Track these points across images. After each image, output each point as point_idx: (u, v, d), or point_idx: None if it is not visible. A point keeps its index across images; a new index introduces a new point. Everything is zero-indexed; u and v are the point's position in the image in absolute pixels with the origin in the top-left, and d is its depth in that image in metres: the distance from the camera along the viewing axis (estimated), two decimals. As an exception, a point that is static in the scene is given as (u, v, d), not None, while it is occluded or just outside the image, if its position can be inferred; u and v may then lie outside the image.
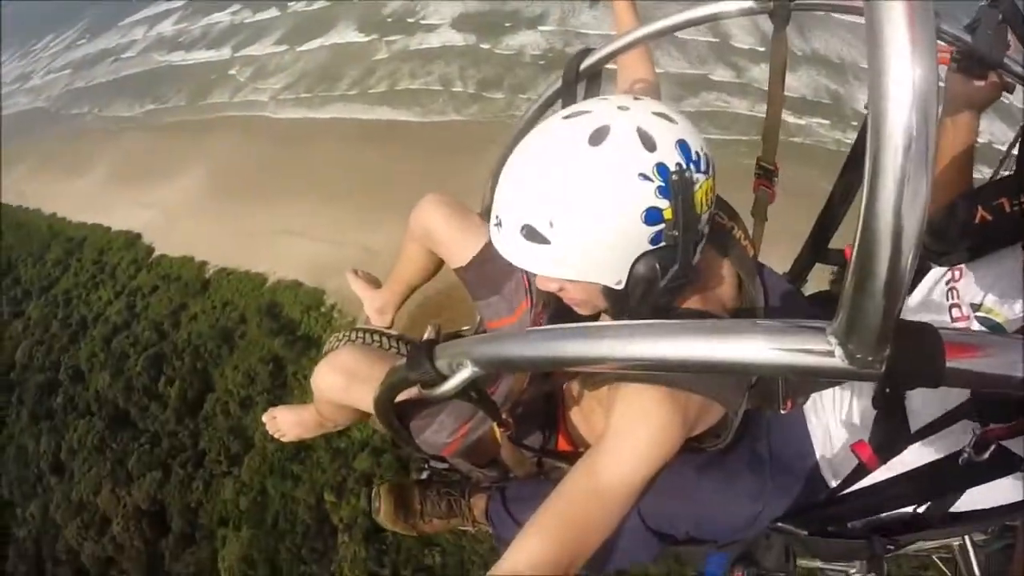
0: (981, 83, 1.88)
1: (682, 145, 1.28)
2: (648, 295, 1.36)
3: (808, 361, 0.81)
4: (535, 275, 1.41)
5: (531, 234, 1.29)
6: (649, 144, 1.26)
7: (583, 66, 2.07)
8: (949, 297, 1.70)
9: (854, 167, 2.16)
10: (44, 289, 46.42)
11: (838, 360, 0.79)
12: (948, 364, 0.77)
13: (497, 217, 1.36)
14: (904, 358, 0.77)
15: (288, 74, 55.22)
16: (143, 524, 31.74)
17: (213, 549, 29.07)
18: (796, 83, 37.33)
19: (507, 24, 49.93)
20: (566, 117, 1.34)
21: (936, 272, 1.81)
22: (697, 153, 1.30)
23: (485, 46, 48.87)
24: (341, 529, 26.45)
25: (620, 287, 1.34)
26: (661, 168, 1.25)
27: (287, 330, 33.43)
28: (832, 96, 37.59)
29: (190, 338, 38.21)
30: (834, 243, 2.33)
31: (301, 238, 37.53)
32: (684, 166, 1.26)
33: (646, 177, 1.24)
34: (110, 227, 48.53)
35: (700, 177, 1.29)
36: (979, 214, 1.62)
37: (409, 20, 55.08)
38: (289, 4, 63.82)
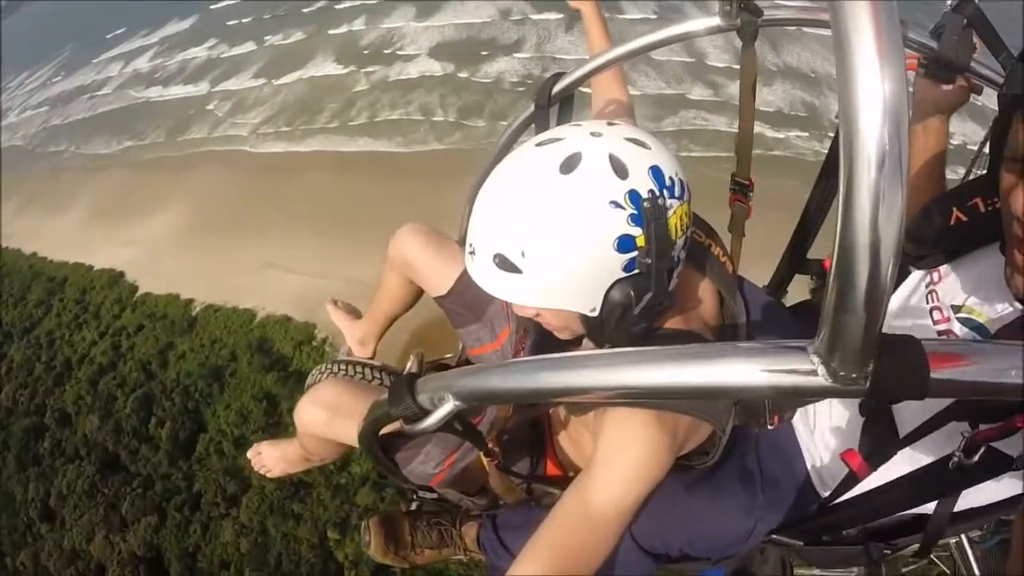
0: (949, 87, 1.91)
1: (655, 171, 1.28)
2: (623, 321, 1.34)
3: (792, 381, 0.81)
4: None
5: (503, 263, 1.29)
6: (621, 171, 1.25)
7: (555, 90, 2.08)
8: (929, 300, 1.68)
9: (828, 177, 2.20)
10: (26, 331, 45.64)
11: (821, 379, 0.78)
12: (933, 375, 0.76)
13: (471, 245, 1.35)
14: (888, 373, 0.77)
15: (267, 107, 55.07)
16: (140, 571, 30.98)
17: (215, 594, 28.42)
18: (772, 96, 37.76)
19: (484, 52, 50.33)
20: (538, 144, 1.34)
21: (915, 276, 1.78)
22: (671, 179, 1.30)
23: (463, 74, 49.24)
24: (347, 567, 26.12)
25: (595, 314, 1.33)
26: (633, 195, 1.24)
27: (279, 366, 33.14)
28: (808, 108, 38.02)
29: (179, 378, 37.68)
30: (813, 252, 2.37)
31: (287, 272, 37.27)
32: (657, 192, 1.26)
33: (618, 205, 1.23)
34: (92, 266, 47.92)
35: (674, 203, 1.29)
36: (955, 215, 1.62)
37: (386, 51, 55.22)
38: (266, 38, 63.58)
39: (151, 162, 54.90)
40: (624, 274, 1.28)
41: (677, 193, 1.30)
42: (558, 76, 2.11)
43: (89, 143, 61.76)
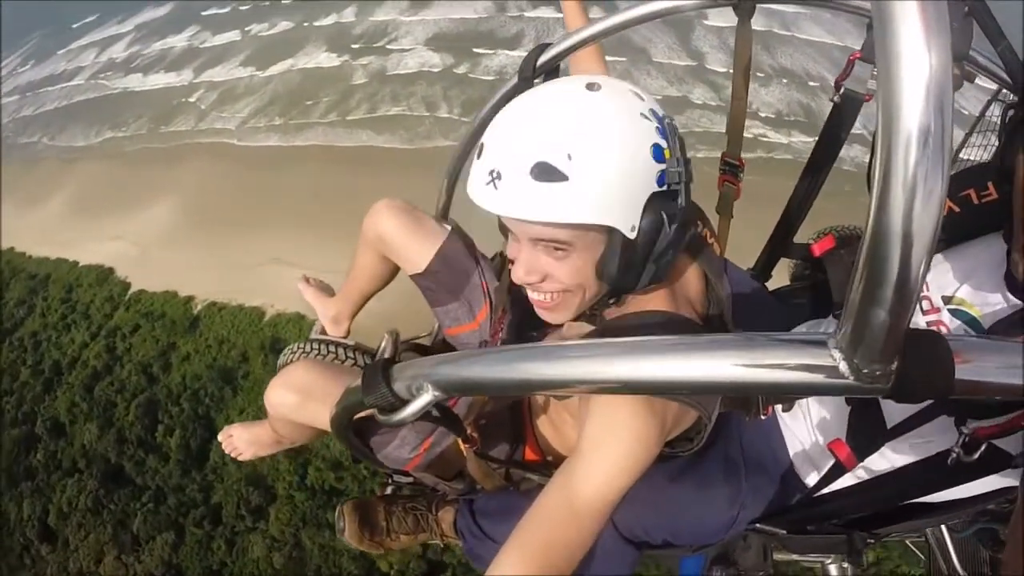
0: None
1: (655, 102, 1.35)
2: (655, 250, 1.33)
3: (809, 379, 0.74)
4: (526, 242, 1.37)
5: (545, 172, 1.22)
6: (638, 95, 1.31)
7: (540, 62, 2.02)
8: None
9: (818, 164, 2.17)
10: (7, 332, 43.19)
11: (842, 376, 0.72)
12: (958, 375, 0.70)
13: (493, 171, 1.27)
14: (913, 371, 0.71)
15: (257, 98, 54.34)
16: (159, 593, 29.43)
17: (250, 616, 27.70)
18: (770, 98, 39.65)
19: (484, 47, 50.74)
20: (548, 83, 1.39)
21: None
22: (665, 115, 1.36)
23: (462, 69, 49.55)
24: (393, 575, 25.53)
25: (634, 234, 1.30)
26: (654, 112, 1.30)
27: (296, 366, 32.32)
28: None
29: (185, 381, 36.14)
30: (798, 238, 2.37)
31: (293, 268, 36.27)
32: (666, 116, 1.34)
33: (646, 116, 1.28)
34: (77, 261, 46.05)
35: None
36: (946, 206, 1.49)
37: (379, 43, 54.97)
38: (250, 27, 62.30)
39: (135, 154, 53.38)
40: (658, 187, 1.29)
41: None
42: (543, 47, 2.03)
43: (64, 134, 59.94)
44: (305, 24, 59.28)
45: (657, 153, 1.26)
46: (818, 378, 0.73)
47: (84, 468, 34.11)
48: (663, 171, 1.28)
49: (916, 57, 0.58)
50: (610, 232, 1.30)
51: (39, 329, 42.30)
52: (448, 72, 49.02)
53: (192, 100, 55.52)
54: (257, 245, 39.55)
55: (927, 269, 0.64)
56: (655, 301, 1.49)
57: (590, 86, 1.28)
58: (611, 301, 1.49)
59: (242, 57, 58.13)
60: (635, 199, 1.27)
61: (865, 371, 0.70)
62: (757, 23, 1.95)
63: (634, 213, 1.28)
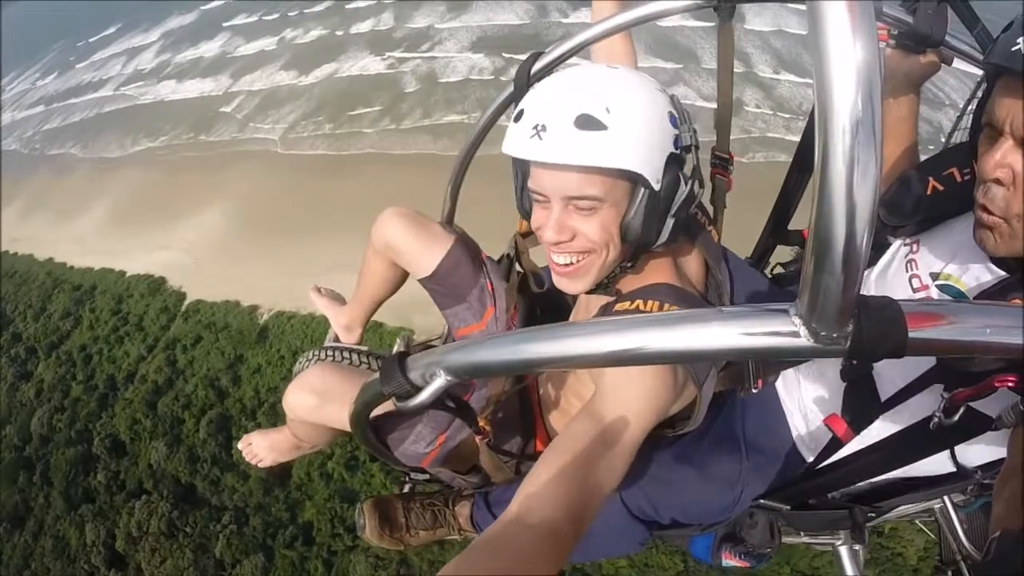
0: (920, 59, 1.96)
1: (663, 89, 1.53)
2: (672, 206, 1.50)
3: (775, 343, 0.83)
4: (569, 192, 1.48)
5: (587, 122, 1.37)
6: (649, 79, 1.50)
7: (534, 69, 2.05)
8: (908, 268, 1.73)
9: (806, 152, 2.25)
10: (53, 346, 41.29)
11: (803, 340, 0.81)
12: (910, 334, 0.79)
13: (538, 125, 1.41)
14: (867, 332, 0.79)
15: (303, 103, 52.30)
16: (251, 620, 28.24)
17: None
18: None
19: (530, 51, 49.53)
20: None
21: (895, 246, 1.83)
22: None
23: (513, 74, 48.16)
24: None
25: (657, 187, 1.45)
26: (664, 91, 1.50)
27: (379, 376, 31.12)
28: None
29: (259, 395, 34.05)
30: (793, 224, 2.45)
31: None
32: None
33: (661, 91, 1.48)
34: (124, 272, 43.95)
35: None
36: (931, 185, 1.70)
37: (422, 48, 53.52)
38: (285, 32, 61.20)
39: (176, 162, 51.75)
40: (674, 149, 1.46)
41: None
42: (536, 56, 2.07)
43: (96, 144, 58.53)
44: (339, 32, 58.21)
45: (673, 120, 1.46)
46: (783, 342, 0.82)
47: (152, 489, 32.17)
48: (678, 136, 1.46)
49: (845, 52, 0.64)
50: (635, 186, 1.47)
51: (88, 342, 40.39)
52: (500, 77, 47.95)
53: (231, 108, 53.98)
54: (320, 251, 38.16)
55: (871, 238, 0.71)
56: (663, 275, 1.63)
57: (611, 67, 1.48)
58: (628, 265, 1.62)
59: (281, 62, 56.80)
60: (659, 155, 1.44)
61: (823, 334, 0.79)
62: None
63: (659, 167, 1.44)
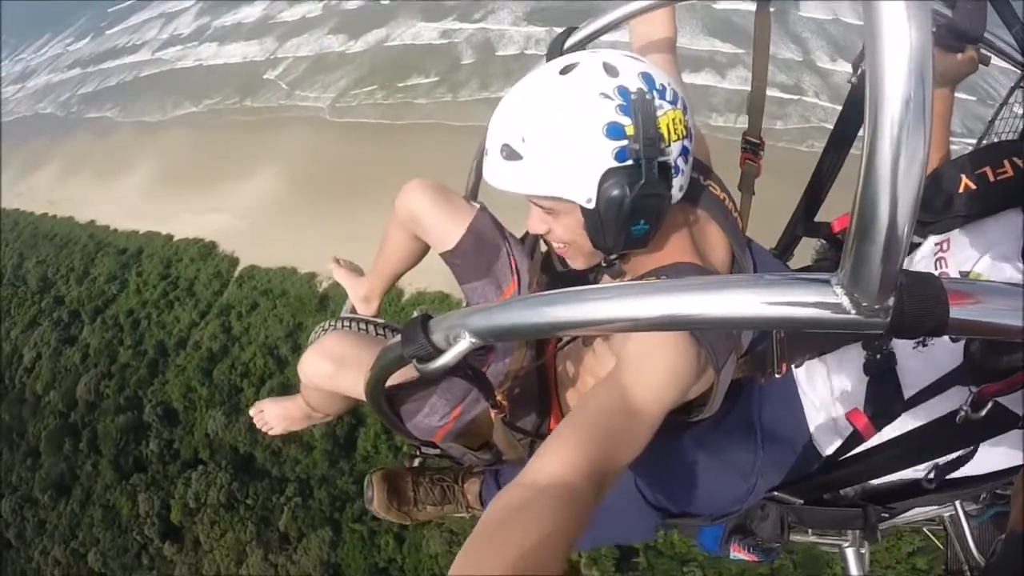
0: (958, 57, 1.90)
1: (645, 76, 1.39)
2: (620, 218, 1.40)
3: (816, 314, 0.82)
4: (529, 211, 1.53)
5: (509, 153, 1.40)
6: (612, 72, 1.37)
7: (567, 45, 2.02)
8: (937, 267, 1.70)
9: (839, 142, 2.16)
10: (98, 310, 39.83)
11: (845, 310, 0.79)
12: (952, 313, 0.77)
13: (485, 148, 1.46)
14: (908, 306, 0.77)
15: (355, 69, 50.34)
16: (320, 598, 27.41)
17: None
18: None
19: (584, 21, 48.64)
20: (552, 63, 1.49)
21: (926, 245, 1.79)
22: (662, 85, 1.40)
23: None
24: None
25: (591, 205, 1.40)
26: (622, 89, 1.35)
27: (446, 346, 30.56)
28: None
29: None
30: (820, 217, 2.37)
31: None
32: (646, 90, 1.36)
33: (607, 96, 1.34)
34: (171, 235, 42.42)
35: (665, 104, 1.38)
36: (963, 183, 1.66)
37: (475, 17, 51.46)
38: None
39: (222, 125, 49.67)
40: (616, 163, 1.36)
41: (668, 98, 1.40)
42: (571, 30, 2.06)
43: (135, 107, 57.39)
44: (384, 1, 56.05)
45: (613, 131, 1.34)
46: (824, 313, 0.80)
47: (208, 459, 30.76)
48: (623, 147, 1.35)
49: (899, 33, 0.64)
50: (572, 203, 1.43)
51: (136, 307, 39.41)
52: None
53: (277, 73, 52.14)
54: (373, 216, 35.98)
55: (916, 211, 0.71)
56: (687, 255, 1.55)
57: (563, 70, 1.39)
58: (613, 257, 1.58)
59: (328, 27, 54.94)
60: (588, 174, 1.37)
61: (864, 305, 0.77)
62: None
63: (589, 186, 1.38)
